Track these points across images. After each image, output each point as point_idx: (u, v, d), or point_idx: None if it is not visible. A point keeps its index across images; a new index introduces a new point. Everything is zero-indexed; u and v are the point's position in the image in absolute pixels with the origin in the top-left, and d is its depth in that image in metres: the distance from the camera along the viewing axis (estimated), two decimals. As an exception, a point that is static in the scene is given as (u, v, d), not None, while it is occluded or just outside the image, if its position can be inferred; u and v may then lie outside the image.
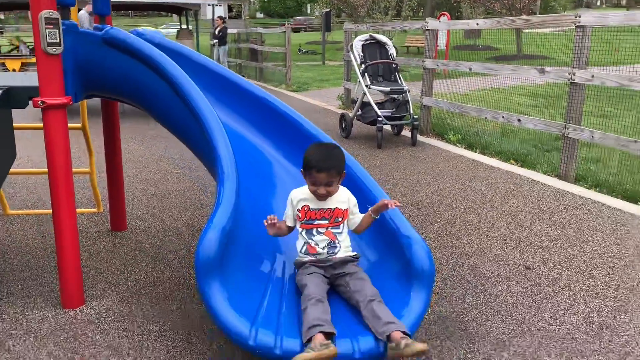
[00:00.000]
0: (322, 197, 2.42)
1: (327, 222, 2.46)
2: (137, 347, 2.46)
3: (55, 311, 2.78)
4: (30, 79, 2.86)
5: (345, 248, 2.49)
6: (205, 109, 2.67)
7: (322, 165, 2.36)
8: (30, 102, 2.67)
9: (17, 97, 2.62)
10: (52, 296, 2.93)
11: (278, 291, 2.46)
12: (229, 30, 17.49)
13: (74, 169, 4.06)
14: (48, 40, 2.51)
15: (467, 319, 2.72)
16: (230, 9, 53.84)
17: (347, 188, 2.64)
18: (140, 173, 5.55)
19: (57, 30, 2.52)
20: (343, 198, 2.49)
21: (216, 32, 16.69)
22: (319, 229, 2.47)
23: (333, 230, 2.47)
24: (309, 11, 56.14)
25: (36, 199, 4.66)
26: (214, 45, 16.97)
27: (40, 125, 2.76)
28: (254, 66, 17.19)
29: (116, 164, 3.86)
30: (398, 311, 2.31)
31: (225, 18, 19.41)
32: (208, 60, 3.28)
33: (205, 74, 3.19)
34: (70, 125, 3.76)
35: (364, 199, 2.71)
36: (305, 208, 2.46)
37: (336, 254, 2.46)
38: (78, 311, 2.78)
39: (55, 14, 2.51)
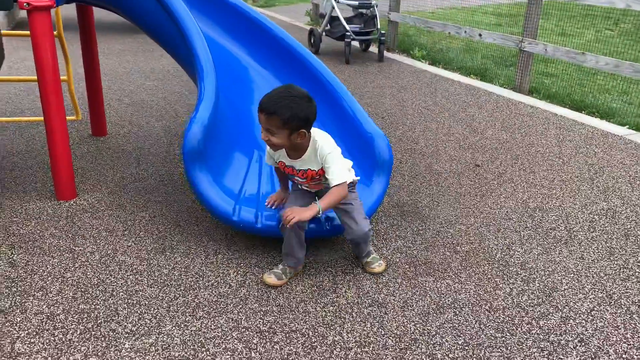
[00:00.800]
0: (269, 145, 2.19)
1: (304, 180, 2.32)
2: (130, 229, 2.78)
3: (50, 202, 3.05)
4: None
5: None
6: (183, 13, 2.85)
7: (263, 105, 2.07)
8: (16, 3, 2.78)
9: (2, -1, 2.73)
10: (45, 190, 3.19)
11: (256, 176, 2.78)
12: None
13: (24, 77, 4.18)
14: (29, -58, 2.60)
15: (420, 205, 3.12)
16: None
17: (330, 113, 2.92)
18: (113, 85, 5.65)
19: None
20: (312, 158, 2.23)
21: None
22: (302, 185, 2.39)
23: (315, 185, 2.36)
24: None
25: (14, 108, 4.78)
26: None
27: (26, 32, 2.89)
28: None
29: (94, 72, 4.00)
30: (362, 193, 2.68)
31: None
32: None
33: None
34: (14, 32, 3.86)
35: (350, 127, 2.96)
36: (282, 163, 2.32)
37: (321, 187, 2.38)
38: (72, 202, 3.05)
39: None
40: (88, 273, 2.39)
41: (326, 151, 2.19)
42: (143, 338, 2.00)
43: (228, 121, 2.93)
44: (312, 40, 7.52)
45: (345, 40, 6.80)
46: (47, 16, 2.79)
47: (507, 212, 3.06)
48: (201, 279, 2.37)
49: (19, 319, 2.08)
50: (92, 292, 2.26)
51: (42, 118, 4.09)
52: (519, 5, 10.46)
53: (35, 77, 3.04)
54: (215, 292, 2.28)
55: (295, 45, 3.39)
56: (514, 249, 2.68)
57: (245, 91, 3.29)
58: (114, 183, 3.32)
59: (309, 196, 2.40)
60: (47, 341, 1.97)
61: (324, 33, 7.37)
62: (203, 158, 2.53)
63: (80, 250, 2.57)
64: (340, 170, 2.20)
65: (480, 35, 6.23)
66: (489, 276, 2.45)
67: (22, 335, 2.00)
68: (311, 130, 2.19)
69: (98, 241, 2.65)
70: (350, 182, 2.28)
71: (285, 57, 3.43)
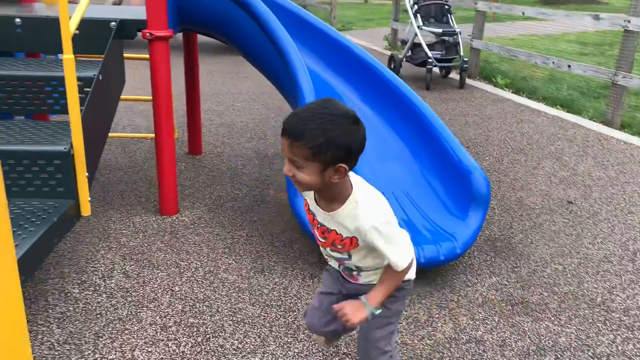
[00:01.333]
0: (295, 184, 1.45)
1: (324, 241, 1.58)
2: (230, 247, 2.91)
3: (155, 217, 3.25)
4: (138, 13, 3.21)
5: (367, 275, 1.63)
6: (290, 47, 2.99)
7: (286, 126, 1.38)
8: (139, 33, 3.02)
9: (128, 28, 2.98)
10: (149, 205, 3.40)
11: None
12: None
13: (140, 97, 4.46)
14: (157, -22, 2.83)
15: (514, 241, 3.08)
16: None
17: (426, 147, 2.98)
18: (204, 105, 5.92)
19: (165, -31, 2.84)
20: (348, 222, 1.47)
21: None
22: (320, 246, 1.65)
23: (335, 255, 1.60)
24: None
25: (114, 124, 5.13)
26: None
27: (144, 55, 3.13)
28: (298, 4, 17.13)
29: (195, 94, 4.24)
30: (457, 228, 2.69)
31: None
32: (296, 7, 3.57)
33: (291, 18, 3.48)
34: (136, 55, 4.14)
35: (447, 161, 2.97)
36: (306, 203, 1.62)
37: (352, 278, 1.68)
38: (174, 218, 3.24)
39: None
40: (194, 288, 2.53)
41: (376, 222, 1.44)
42: (249, 356, 2.09)
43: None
44: (392, 66, 7.60)
45: (427, 66, 6.83)
46: (166, 45, 3.01)
47: (605, 254, 2.97)
48: (300, 301, 2.45)
49: (135, 328, 2.23)
50: (199, 307, 2.39)
51: (146, 135, 4.39)
52: (605, 34, 10.12)
53: (150, 98, 3.28)
54: (314, 315, 2.35)
55: (387, 73, 3.47)
56: (615, 294, 2.59)
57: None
58: (211, 201, 3.49)
59: (337, 281, 1.74)
60: (163, 351, 2.10)
61: (404, 59, 7.43)
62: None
63: (185, 265, 2.72)
64: (405, 248, 1.51)
65: (569, 66, 6.08)
66: (590, 320, 2.38)
67: (140, 344, 2.14)
68: (353, 178, 1.50)
69: (201, 257, 2.80)
70: (405, 280, 1.60)
71: (375, 83, 3.51)
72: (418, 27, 7.05)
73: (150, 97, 4.00)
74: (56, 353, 2.08)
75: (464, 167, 2.84)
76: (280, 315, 2.35)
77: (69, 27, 2.18)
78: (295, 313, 2.36)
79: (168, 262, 2.74)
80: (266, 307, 2.40)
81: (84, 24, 2.88)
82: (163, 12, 2.93)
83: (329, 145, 1.35)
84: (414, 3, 7.21)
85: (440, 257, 2.55)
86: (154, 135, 4.52)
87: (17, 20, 2.95)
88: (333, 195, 1.48)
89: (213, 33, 3.51)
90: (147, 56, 3.15)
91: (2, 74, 2.65)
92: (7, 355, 1.53)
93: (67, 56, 2.20)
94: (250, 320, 2.30)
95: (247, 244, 2.95)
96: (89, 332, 2.20)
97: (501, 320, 2.36)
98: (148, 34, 2.93)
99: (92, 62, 2.85)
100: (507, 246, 3.02)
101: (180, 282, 2.57)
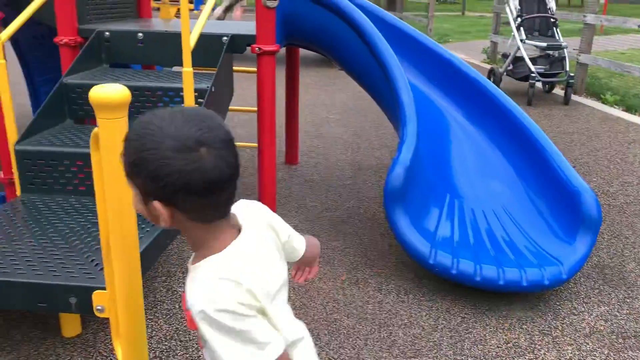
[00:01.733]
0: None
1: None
2: (325, 257, 2.95)
3: (253, 223, 3.36)
4: (248, 28, 3.37)
5: None
6: (392, 62, 3.00)
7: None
8: (248, 48, 3.17)
9: (238, 43, 3.13)
10: (248, 212, 3.53)
11: (450, 222, 2.80)
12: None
13: (246, 107, 4.65)
14: (268, -5, 2.96)
15: (625, 270, 2.87)
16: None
17: (531, 165, 2.90)
18: (299, 116, 6.08)
19: (275, -14, 2.96)
20: (190, 295, 1.04)
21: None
22: None
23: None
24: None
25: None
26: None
27: (251, 69, 3.28)
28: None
29: (294, 105, 4.37)
30: (563, 252, 2.56)
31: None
32: (397, 20, 3.58)
33: (391, 30, 3.50)
34: (245, 68, 4.32)
35: (553, 180, 2.84)
36: None
37: None
38: (272, 225, 3.34)
39: (275, -27, 2.95)
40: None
41: (196, 307, 0.99)
42: (344, 367, 2.11)
43: (425, 166, 3.00)
44: (491, 79, 7.37)
45: (530, 81, 6.56)
46: (273, 59, 3.13)
47: None
48: (394, 316, 2.44)
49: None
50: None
51: (248, 144, 4.57)
52: None
53: (253, 108, 3.43)
54: (409, 332, 2.33)
55: (491, 87, 3.38)
56: None
57: (440, 137, 3.34)
58: (307, 210, 3.57)
59: None
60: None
61: (504, 73, 7.19)
62: (403, 199, 2.63)
63: (282, 272, 2.80)
64: None
65: (691, 82, 5.59)
66: None
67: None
68: (243, 236, 1.10)
69: (297, 265, 2.87)
70: None
71: (478, 98, 3.43)
72: (521, 40, 6.80)
73: (254, 108, 4.18)
74: (163, 347, 2.21)
75: (572, 188, 2.70)
76: (375, 329, 2.35)
77: (190, 42, 2.33)
78: (390, 328, 2.35)
79: (266, 268, 2.83)
80: (361, 320, 2.41)
81: (199, 38, 3.06)
82: (271, 28, 3.05)
83: (140, 169, 0.97)
84: (517, 16, 6.97)
85: (544, 281, 2.44)
86: (253, 144, 4.73)
87: (140, 34, 3.20)
88: (191, 243, 1.10)
89: (315, 46, 3.61)
90: (254, 69, 3.30)
91: (124, 84, 2.88)
92: (129, 337, 1.65)
93: (187, 69, 2.35)
94: (345, 332, 2.32)
95: (342, 255, 2.98)
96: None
97: (611, 354, 2.21)
98: (257, 48, 3.06)
99: (205, 75, 3.02)
100: (617, 274, 2.82)
101: (277, 288, 2.64)
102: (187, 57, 2.35)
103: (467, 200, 2.96)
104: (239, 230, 1.12)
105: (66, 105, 2.87)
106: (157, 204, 0.99)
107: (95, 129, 1.51)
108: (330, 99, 6.95)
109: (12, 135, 2.54)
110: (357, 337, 2.28)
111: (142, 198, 1.02)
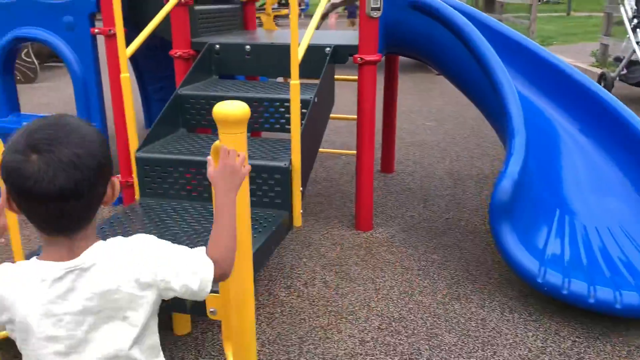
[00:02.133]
0: None
1: None
2: (424, 270, 2.91)
3: (350, 231, 3.39)
4: (348, 38, 3.42)
5: None
6: (499, 71, 2.90)
7: None
8: (349, 57, 3.20)
9: (341, 54, 3.18)
10: (345, 219, 3.56)
11: (560, 239, 2.66)
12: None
13: (346, 115, 4.68)
14: (372, 5, 2.98)
15: None
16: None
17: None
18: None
19: (379, -4, 2.97)
20: None
21: (455, -16, 16.37)
22: None
23: None
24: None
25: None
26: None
27: (351, 77, 3.30)
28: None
29: (392, 112, 4.35)
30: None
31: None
32: (501, 24, 3.47)
33: (497, 38, 3.38)
34: (349, 77, 4.35)
35: None
36: None
37: None
38: (369, 234, 3.35)
39: (380, -17, 2.96)
40: (390, 306, 2.58)
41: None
42: (446, 385, 2.07)
43: (534, 179, 2.86)
44: (602, 85, 6.89)
45: (646, 86, 6.08)
46: (374, 68, 3.14)
47: None
48: (499, 335, 2.35)
49: (336, 338, 2.35)
50: (395, 326, 2.43)
51: (346, 151, 4.62)
52: None
53: (353, 117, 3.46)
54: (515, 353, 2.24)
55: (606, 95, 3.17)
56: None
57: (550, 148, 3.17)
58: (404, 220, 3.53)
59: None
60: (361, 365, 2.18)
61: (617, 77, 6.71)
62: (510, 214, 2.53)
63: (380, 282, 2.79)
64: None
65: None
66: None
67: (340, 354, 2.25)
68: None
69: (395, 276, 2.85)
70: None
71: (591, 107, 3.22)
72: (637, 42, 6.31)
73: (353, 116, 4.23)
74: (267, 350, 2.28)
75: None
76: (477, 347, 2.28)
77: (297, 56, 2.40)
78: (494, 347, 2.27)
79: (364, 277, 2.84)
80: (463, 337, 2.34)
81: (308, 50, 3.15)
82: (374, 37, 3.07)
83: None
84: (634, 17, 6.48)
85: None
86: (347, 152, 4.76)
87: (247, 47, 3.34)
88: None
89: (416, 54, 3.58)
90: (355, 77, 3.33)
91: (234, 95, 3.01)
92: (240, 340, 1.72)
93: (294, 82, 2.42)
94: (446, 348, 2.27)
95: (441, 268, 2.92)
96: (294, 336, 2.37)
97: None
98: (359, 58, 3.09)
99: (308, 85, 3.09)
100: None
101: (376, 299, 2.64)
102: (294, 71, 2.42)
103: (579, 217, 2.80)
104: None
105: (180, 115, 3.06)
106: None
107: (216, 143, 1.59)
108: (426, 105, 6.85)
109: (134, 143, 2.75)
110: (460, 355, 2.23)
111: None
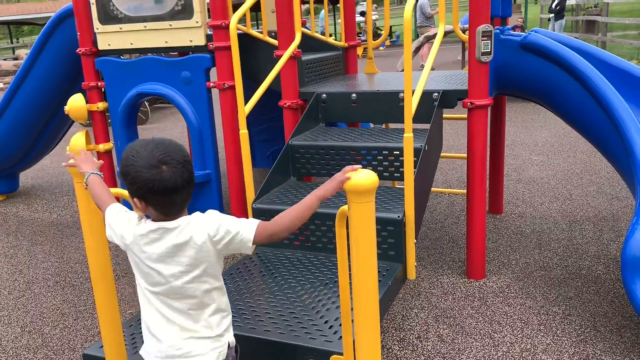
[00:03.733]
0: None
1: None
2: (545, 324, 2.74)
3: (462, 279, 3.28)
4: (457, 82, 3.38)
5: None
6: (625, 115, 2.72)
7: None
8: (458, 102, 3.15)
9: (449, 98, 3.14)
10: (455, 266, 3.46)
11: None
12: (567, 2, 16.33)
13: (452, 154, 4.60)
14: (482, 50, 2.92)
15: None
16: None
17: None
18: (498, 158, 5.85)
19: (490, 41, 2.91)
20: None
21: (553, 6, 15.78)
22: None
23: None
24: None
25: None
26: (549, 20, 16.12)
27: (461, 116, 3.24)
28: (593, 40, 15.70)
29: (499, 152, 4.20)
30: None
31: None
32: (621, 61, 3.27)
33: (618, 75, 3.18)
34: (455, 115, 4.27)
35: None
36: None
37: None
38: (482, 283, 3.22)
39: (490, 28, 2.91)
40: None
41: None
42: None
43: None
44: None
45: None
46: (485, 112, 3.07)
47: None
48: (639, 406, 2.15)
49: (456, 399, 2.26)
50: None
51: (455, 191, 4.53)
52: None
53: (462, 155, 3.38)
54: None
55: None
56: None
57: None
58: (518, 268, 3.37)
59: None
60: None
61: None
62: (645, 268, 2.33)
63: (499, 338, 2.66)
64: None
65: None
66: None
67: (463, 418, 2.15)
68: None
69: (515, 331, 2.71)
70: None
71: None
72: None
73: (460, 155, 4.14)
74: (385, 409, 2.23)
75: None
76: (616, 418, 2.09)
77: (412, 109, 2.40)
78: (636, 420, 2.07)
79: (481, 332, 2.72)
80: (598, 405, 2.16)
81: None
82: (484, 82, 3.00)
83: (125, 177, 1.54)
84: None
85: None
86: (457, 191, 4.66)
87: (353, 95, 3.39)
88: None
89: (527, 95, 3.45)
90: (464, 116, 3.27)
91: (341, 144, 3.06)
92: None
93: (408, 135, 2.42)
94: (580, 418, 2.11)
95: (564, 324, 2.74)
96: None
97: None
98: (469, 103, 3.03)
99: (416, 131, 3.07)
100: None
101: (496, 356, 2.52)
102: (408, 124, 2.41)
103: None
104: None
105: (290, 164, 3.15)
106: (135, 200, 1.54)
107: (343, 208, 1.61)
108: (531, 138, 6.57)
109: (250, 194, 2.86)
110: None
111: (130, 195, 1.55)
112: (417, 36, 12.79)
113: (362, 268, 1.55)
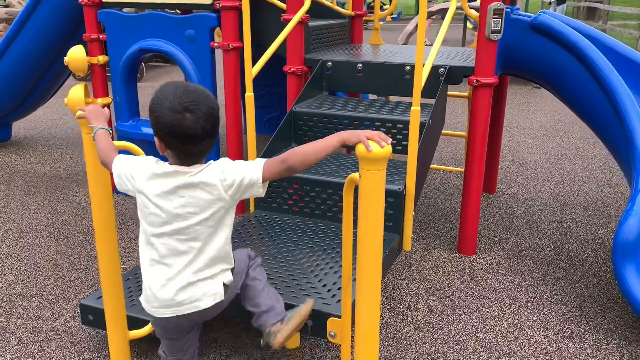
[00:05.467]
0: None
1: None
2: (532, 302, 2.82)
3: (452, 254, 3.34)
4: (463, 58, 3.37)
5: None
6: (628, 103, 2.75)
7: None
8: (464, 79, 3.16)
9: (455, 75, 3.14)
10: (446, 241, 3.51)
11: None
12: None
13: (452, 132, 4.62)
14: (492, 28, 2.92)
15: None
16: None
17: None
18: (493, 138, 5.88)
19: (501, 19, 2.90)
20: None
21: (556, -10, 15.65)
22: None
23: None
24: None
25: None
26: (550, 3, 16.02)
27: (463, 94, 3.25)
28: (593, 27, 15.67)
29: (497, 133, 4.23)
30: None
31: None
32: (629, 50, 3.28)
33: (625, 64, 3.20)
34: (457, 93, 4.28)
35: None
36: None
37: None
38: (472, 259, 3.28)
39: (502, 5, 2.89)
40: (499, 339, 2.52)
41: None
42: None
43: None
44: None
45: None
46: (490, 91, 3.07)
47: None
48: (619, 383, 2.24)
49: (444, 368, 2.34)
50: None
51: (451, 169, 4.56)
52: None
53: (461, 133, 3.41)
54: (638, 405, 2.12)
55: None
56: None
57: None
58: (509, 246, 3.44)
59: None
60: (472, 400, 2.15)
61: None
62: (635, 253, 2.39)
63: (487, 312, 2.74)
64: None
65: None
66: None
67: (450, 385, 2.23)
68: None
69: (503, 307, 2.78)
70: None
71: None
72: None
73: (462, 133, 4.15)
74: (374, 373, 2.30)
75: None
76: (596, 393, 2.18)
77: (421, 83, 2.40)
78: (614, 396, 2.16)
79: (470, 305, 2.79)
80: (579, 380, 2.25)
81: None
82: (492, 60, 3.00)
83: (150, 116, 1.60)
84: None
85: None
86: (453, 169, 4.70)
87: (359, 65, 3.38)
88: None
89: (532, 76, 3.46)
90: (465, 94, 3.28)
91: (345, 114, 3.06)
92: (365, 339, 1.72)
93: (415, 108, 2.42)
94: (562, 391, 2.19)
95: (551, 302, 2.82)
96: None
97: None
98: (475, 80, 3.04)
99: (422, 106, 3.08)
100: None
101: (483, 330, 2.59)
102: (417, 97, 2.42)
103: None
104: None
105: (293, 131, 3.15)
106: (156, 138, 1.62)
107: (352, 175, 1.63)
108: (526, 121, 6.61)
109: (252, 158, 2.86)
110: (577, 400, 2.14)
111: (153, 132, 1.62)
112: (417, 12, 12.61)
113: (369, 235, 1.57)
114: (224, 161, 1.66)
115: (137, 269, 2.58)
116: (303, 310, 1.89)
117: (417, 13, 12.79)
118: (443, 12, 8.60)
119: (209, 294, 1.69)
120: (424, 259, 3.28)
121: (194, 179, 1.60)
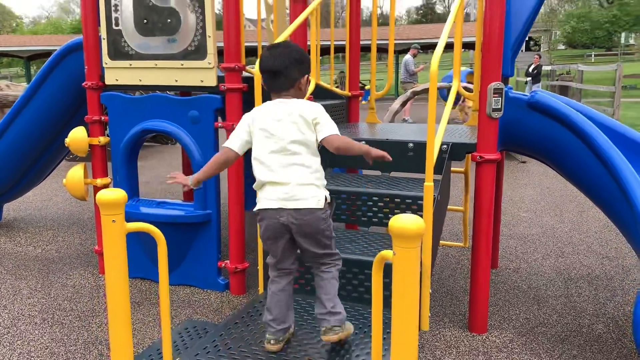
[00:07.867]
0: None
1: None
2: (553, 382, 2.72)
3: (464, 333, 3.25)
4: (464, 136, 3.46)
5: None
6: (630, 178, 2.80)
7: None
8: (465, 155, 3.22)
9: (458, 151, 3.21)
10: (456, 319, 3.43)
11: None
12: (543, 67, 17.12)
13: (452, 207, 4.65)
14: (493, 107, 3.02)
15: None
16: (527, 40, 52.04)
17: None
18: (488, 213, 5.93)
19: (501, 98, 3.01)
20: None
21: (530, 69, 16.51)
22: None
23: None
24: (622, 40, 50.30)
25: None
26: (526, 82, 16.83)
27: (459, 169, 3.30)
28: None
29: (496, 206, 4.26)
30: None
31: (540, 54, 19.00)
32: (625, 127, 3.40)
33: (622, 141, 3.30)
34: (454, 169, 4.35)
35: None
36: None
37: None
38: (484, 337, 3.20)
39: (502, 85, 3.01)
40: None
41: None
42: None
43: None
44: None
45: None
46: (493, 167, 3.13)
47: None
48: None
49: None
50: None
51: (453, 244, 4.54)
52: None
53: (460, 208, 3.43)
54: None
55: None
56: None
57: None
58: (519, 323, 3.36)
59: None
60: None
61: None
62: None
63: (508, 394, 2.63)
64: None
65: None
66: None
67: None
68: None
69: (523, 388, 2.67)
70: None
71: None
72: None
73: (459, 208, 4.17)
74: None
75: None
76: None
77: (433, 158, 2.44)
78: None
79: (489, 387, 2.68)
80: None
81: (421, 147, 3.20)
82: (494, 137, 3.08)
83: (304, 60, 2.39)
84: None
85: None
86: (454, 244, 4.69)
87: (363, 142, 3.43)
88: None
89: (532, 153, 3.54)
90: (461, 169, 3.32)
91: (352, 190, 3.07)
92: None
93: (428, 184, 2.45)
94: None
95: (572, 382, 2.72)
96: None
97: None
98: (478, 157, 3.10)
99: (420, 181, 3.11)
100: None
101: (507, 414, 2.47)
102: (429, 173, 2.45)
103: None
104: None
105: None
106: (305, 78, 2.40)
107: (383, 253, 1.60)
108: (517, 195, 6.70)
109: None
110: None
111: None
112: (397, 94, 13.09)
113: (406, 317, 1.53)
114: (319, 108, 2.32)
115: (150, 349, 2.45)
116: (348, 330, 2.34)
117: (398, 94, 13.22)
118: (427, 91, 8.92)
119: (315, 195, 2.26)
120: (435, 339, 3.18)
121: (295, 108, 2.30)
